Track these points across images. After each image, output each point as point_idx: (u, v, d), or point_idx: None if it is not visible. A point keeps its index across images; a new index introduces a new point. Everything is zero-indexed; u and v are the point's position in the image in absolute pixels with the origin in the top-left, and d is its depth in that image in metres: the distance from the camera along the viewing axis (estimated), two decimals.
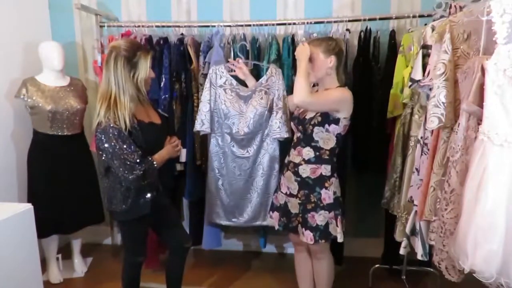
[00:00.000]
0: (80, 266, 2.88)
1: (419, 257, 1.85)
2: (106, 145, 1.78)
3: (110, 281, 2.69)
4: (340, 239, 2.10)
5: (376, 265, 2.72)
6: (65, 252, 2.88)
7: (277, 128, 2.32)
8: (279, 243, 3.20)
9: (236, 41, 2.67)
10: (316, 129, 2.01)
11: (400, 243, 2.07)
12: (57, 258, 2.78)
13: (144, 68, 1.83)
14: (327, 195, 2.05)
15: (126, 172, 1.80)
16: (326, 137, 2.02)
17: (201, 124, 2.41)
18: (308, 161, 2.07)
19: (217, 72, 2.40)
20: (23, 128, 2.78)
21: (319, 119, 2.00)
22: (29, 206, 1.83)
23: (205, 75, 2.55)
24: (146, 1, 3.02)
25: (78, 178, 2.65)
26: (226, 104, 2.38)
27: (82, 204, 2.66)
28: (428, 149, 1.79)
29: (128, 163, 1.78)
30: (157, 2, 3.01)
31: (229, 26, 2.72)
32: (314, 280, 2.29)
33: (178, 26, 2.81)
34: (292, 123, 2.21)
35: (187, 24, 2.86)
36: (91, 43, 3.03)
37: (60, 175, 2.58)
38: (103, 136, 1.78)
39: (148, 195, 1.94)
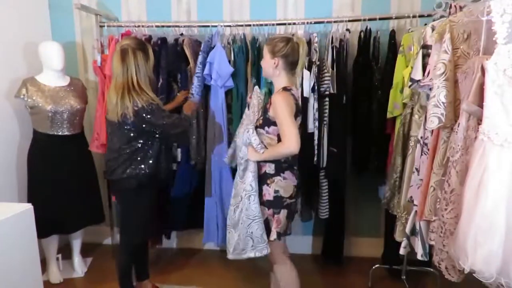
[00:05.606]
0: (80, 266, 2.88)
1: (419, 257, 1.85)
2: (152, 118, 2.05)
3: (110, 281, 2.69)
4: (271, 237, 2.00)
5: (376, 265, 2.72)
6: (65, 252, 2.88)
7: None
8: None
9: (236, 41, 2.67)
10: (258, 130, 1.99)
11: (400, 243, 2.07)
12: (57, 258, 2.78)
13: (151, 54, 2.18)
14: (267, 191, 2.00)
15: (182, 123, 2.21)
16: (268, 138, 1.97)
17: None
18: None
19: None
20: (23, 128, 2.79)
21: (260, 121, 2.00)
22: (29, 206, 1.83)
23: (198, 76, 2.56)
24: (146, 1, 3.02)
25: (78, 178, 2.65)
26: None
27: (82, 204, 2.66)
28: (428, 149, 1.78)
29: (178, 120, 2.17)
30: (157, 2, 3.01)
31: (229, 26, 2.72)
32: None
33: (178, 26, 2.81)
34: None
35: (187, 24, 2.87)
36: (91, 43, 3.03)
37: (60, 175, 2.58)
38: (148, 115, 2.04)
39: (164, 163, 2.22)
